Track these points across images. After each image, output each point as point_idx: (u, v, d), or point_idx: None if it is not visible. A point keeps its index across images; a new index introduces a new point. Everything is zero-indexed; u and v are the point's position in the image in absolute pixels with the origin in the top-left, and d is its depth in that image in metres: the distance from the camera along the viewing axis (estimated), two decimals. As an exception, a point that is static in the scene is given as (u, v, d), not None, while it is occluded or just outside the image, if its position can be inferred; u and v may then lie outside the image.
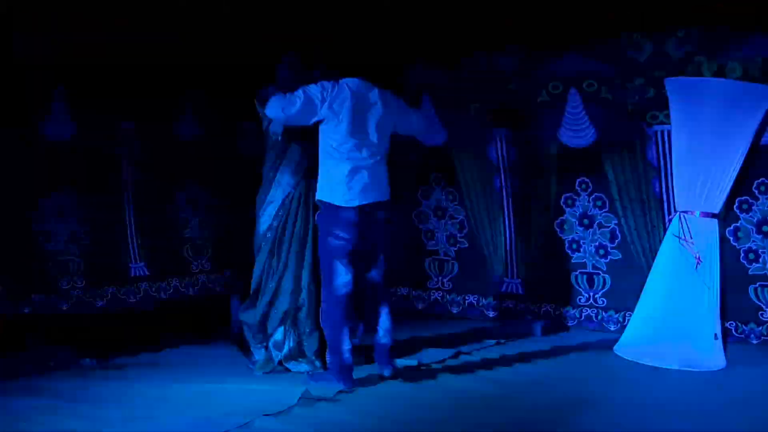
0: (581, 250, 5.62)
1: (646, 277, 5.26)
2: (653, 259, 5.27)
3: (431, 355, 4.85)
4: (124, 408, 4.02)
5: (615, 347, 4.96)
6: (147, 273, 5.81)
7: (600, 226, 5.53)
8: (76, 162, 5.50)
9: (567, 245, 5.67)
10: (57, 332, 5.15)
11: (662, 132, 5.21)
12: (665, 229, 5.22)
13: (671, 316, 4.73)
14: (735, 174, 4.79)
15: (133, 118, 5.78)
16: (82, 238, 5.58)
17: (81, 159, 5.53)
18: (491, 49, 5.73)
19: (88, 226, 5.61)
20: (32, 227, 5.36)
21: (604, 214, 5.52)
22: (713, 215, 4.83)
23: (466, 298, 6.00)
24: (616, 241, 5.49)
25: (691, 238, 4.74)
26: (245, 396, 4.20)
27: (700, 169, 4.72)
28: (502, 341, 5.29)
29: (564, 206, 5.65)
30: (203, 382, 4.48)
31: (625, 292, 5.42)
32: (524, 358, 4.87)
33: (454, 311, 6.05)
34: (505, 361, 4.81)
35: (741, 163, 4.77)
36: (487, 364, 4.75)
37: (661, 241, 5.22)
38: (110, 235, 5.72)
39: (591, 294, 5.59)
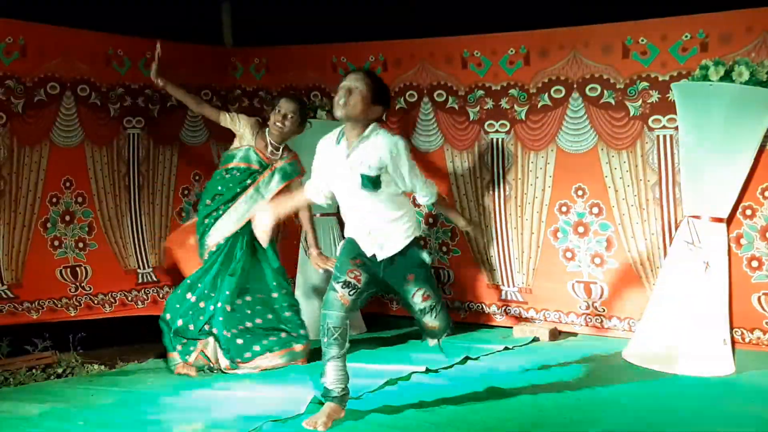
0: (576, 258, 5.61)
1: (645, 285, 5.27)
2: (652, 267, 5.27)
3: (438, 361, 4.85)
4: (131, 413, 4.02)
5: (623, 352, 4.96)
6: (155, 279, 5.83)
7: (596, 233, 5.52)
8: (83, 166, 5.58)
9: (561, 254, 5.65)
10: (66, 338, 5.15)
11: (664, 136, 5.22)
12: (665, 236, 5.23)
13: (680, 322, 4.72)
14: (743, 178, 4.79)
15: (139, 123, 5.83)
16: (91, 243, 5.61)
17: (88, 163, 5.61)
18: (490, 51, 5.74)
19: (96, 231, 5.65)
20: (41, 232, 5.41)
21: (600, 222, 5.51)
22: (721, 220, 4.83)
23: (470, 305, 6.00)
24: (613, 249, 5.47)
25: (700, 242, 4.73)
26: (253, 401, 4.19)
27: (707, 173, 4.71)
28: (510, 347, 5.29)
29: (558, 213, 5.63)
30: (211, 388, 4.48)
31: (625, 301, 5.41)
32: (532, 363, 4.86)
33: (461, 316, 6.04)
34: (513, 366, 4.80)
35: (749, 167, 4.77)
36: (495, 369, 4.75)
37: (660, 249, 5.23)
38: (118, 241, 5.74)
39: (590, 302, 5.58)
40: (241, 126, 4.93)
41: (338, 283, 3.81)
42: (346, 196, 3.85)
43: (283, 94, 5.88)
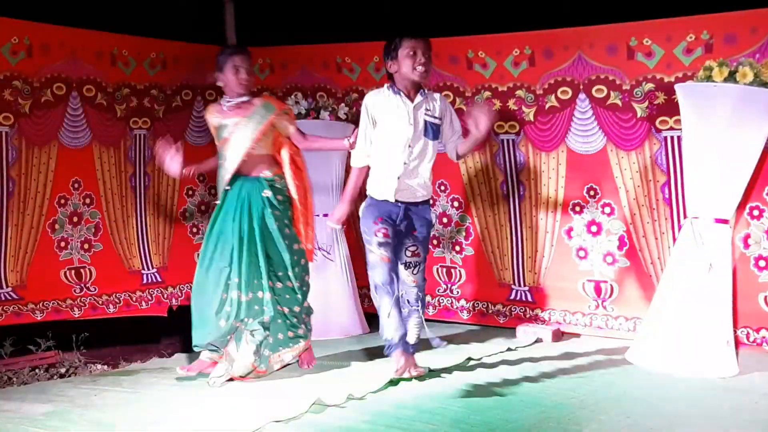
0: (588, 257, 5.60)
1: (655, 285, 5.25)
2: (662, 266, 5.25)
3: (442, 362, 4.84)
4: (134, 414, 4.03)
5: (626, 354, 4.94)
6: (159, 280, 5.85)
7: (608, 233, 5.51)
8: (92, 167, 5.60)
9: (574, 252, 5.65)
10: (69, 338, 5.18)
11: (672, 137, 5.20)
12: (674, 236, 5.21)
13: (683, 323, 4.70)
14: (747, 179, 4.76)
15: (145, 124, 5.86)
16: (96, 245, 5.63)
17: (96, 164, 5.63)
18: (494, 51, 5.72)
19: (102, 232, 5.67)
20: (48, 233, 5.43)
21: (612, 221, 5.50)
22: (725, 221, 4.80)
23: (476, 305, 5.99)
24: (624, 248, 5.46)
25: (703, 244, 4.71)
26: (255, 402, 4.19)
27: (711, 174, 4.69)
28: (513, 348, 5.28)
29: (572, 213, 5.63)
30: (214, 388, 4.49)
31: (634, 300, 5.40)
32: (535, 364, 4.85)
33: (464, 317, 6.04)
34: (516, 367, 4.78)
35: (753, 168, 4.75)
36: (498, 370, 4.73)
37: (670, 248, 5.21)
38: (123, 241, 5.77)
39: (599, 302, 5.57)
40: None
41: (371, 245, 4.29)
42: (398, 145, 4.30)
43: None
